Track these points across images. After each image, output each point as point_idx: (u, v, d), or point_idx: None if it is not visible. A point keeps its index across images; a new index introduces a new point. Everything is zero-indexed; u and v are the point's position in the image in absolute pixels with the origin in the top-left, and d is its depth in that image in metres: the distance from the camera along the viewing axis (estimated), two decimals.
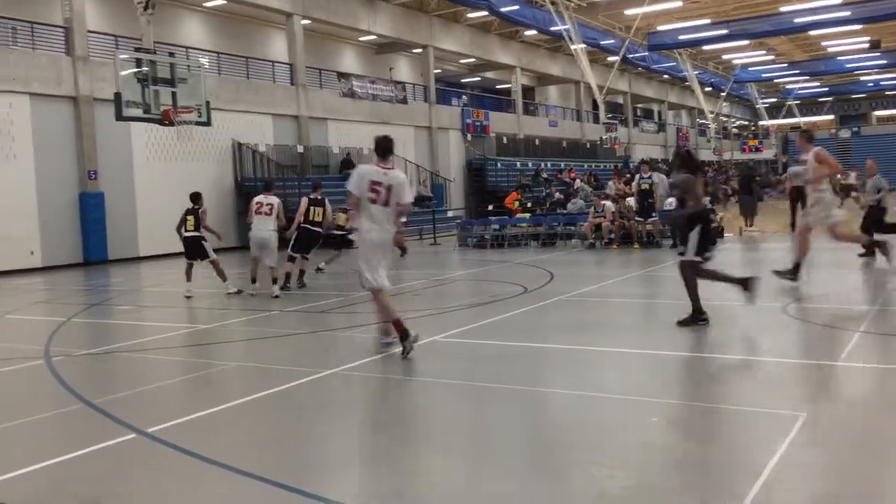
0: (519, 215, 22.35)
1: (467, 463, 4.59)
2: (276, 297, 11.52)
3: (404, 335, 6.95)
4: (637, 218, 17.64)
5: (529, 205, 24.41)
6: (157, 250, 21.75)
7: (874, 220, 13.47)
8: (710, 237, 8.05)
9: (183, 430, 5.29)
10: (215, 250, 12.69)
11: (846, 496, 3.88)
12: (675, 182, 8.54)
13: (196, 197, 12.74)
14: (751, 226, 20.90)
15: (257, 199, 12.29)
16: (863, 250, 12.54)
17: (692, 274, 7.91)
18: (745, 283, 7.99)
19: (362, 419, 5.57)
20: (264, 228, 12.07)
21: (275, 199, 12.34)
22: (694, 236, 7.82)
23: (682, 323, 7.87)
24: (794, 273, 10.48)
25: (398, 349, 7.09)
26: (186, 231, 12.54)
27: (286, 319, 10.22)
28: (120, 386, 6.76)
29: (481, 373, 6.72)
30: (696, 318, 7.86)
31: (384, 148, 7.24)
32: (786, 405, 5.24)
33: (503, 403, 5.75)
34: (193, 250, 12.58)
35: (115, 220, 20.99)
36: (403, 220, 7.60)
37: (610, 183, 23.26)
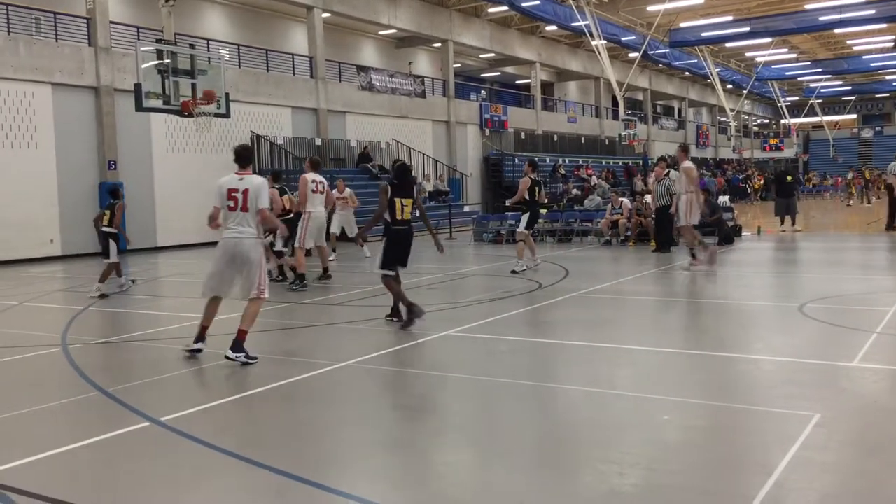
0: None
1: (478, 457, 4.60)
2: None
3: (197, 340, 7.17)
4: (654, 216, 17.53)
5: (546, 201, 24.33)
6: (175, 241, 21.91)
7: None
8: None
9: (196, 419, 5.33)
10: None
11: (857, 497, 3.85)
12: None
13: (114, 192, 12.55)
14: (793, 224, 20.53)
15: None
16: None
17: None
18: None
19: (374, 412, 5.59)
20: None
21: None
22: None
23: None
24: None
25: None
26: (103, 226, 12.31)
27: (301, 311, 10.26)
28: (135, 374, 6.81)
29: (494, 368, 6.72)
30: None
31: (242, 156, 7.20)
32: (799, 405, 5.20)
33: (515, 399, 5.76)
34: (103, 247, 12.34)
35: (134, 210, 21.07)
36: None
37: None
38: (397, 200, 8.32)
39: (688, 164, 13.15)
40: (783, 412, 5.10)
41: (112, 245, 12.22)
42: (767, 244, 17.90)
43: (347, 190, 17.06)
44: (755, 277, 12.71)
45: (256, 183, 6.97)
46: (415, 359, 7.15)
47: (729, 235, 17.61)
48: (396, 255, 8.44)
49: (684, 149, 13.75)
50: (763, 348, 7.28)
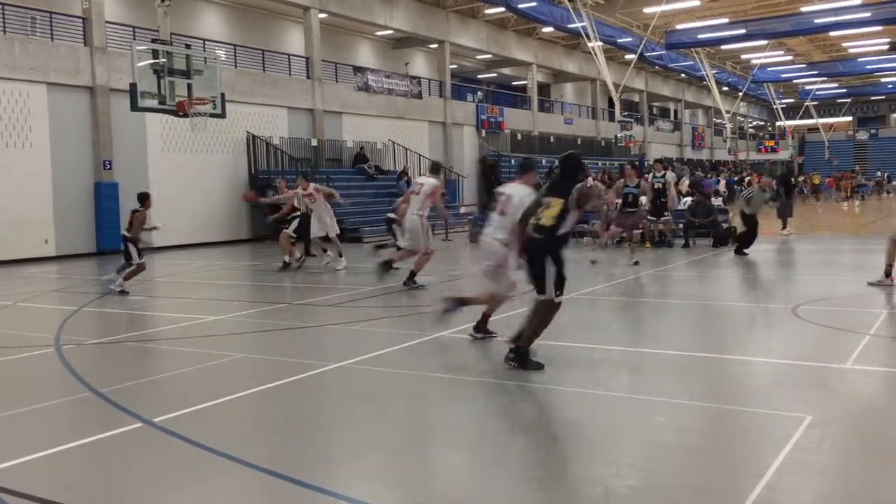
0: None
1: (473, 458, 4.60)
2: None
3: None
4: (649, 217, 17.57)
5: None
6: (171, 241, 21.87)
7: None
8: None
9: (189, 420, 5.32)
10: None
11: (849, 498, 3.87)
12: None
13: (141, 198, 12.53)
14: (783, 228, 20.50)
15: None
16: None
17: None
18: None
19: (368, 413, 5.58)
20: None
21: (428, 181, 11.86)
22: None
23: None
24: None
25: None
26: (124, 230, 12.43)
27: (295, 312, 10.26)
28: (128, 375, 6.81)
29: (489, 369, 6.72)
30: None
31: (522, 167, 7.88)
32: (792, 407, 5.21)
33: (511, 400, 5.76)
34: (124, 253, 12.39)
35: (129, 210, 21.08)
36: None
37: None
38: (545, 199, 6.64)
39: None
40: (776, 413, 5.10)
41: (132, 249, 12.14)
42: (761, 246, 17.91)
43: (312, 185, 15.19)
44: (749, 279, 12.73)
45: (520, 192, 7.26)
46: (411, 360, 7.14)
47: (723, 237, 17.65)
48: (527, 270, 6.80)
49: None
50: (756, 350, 7.30)
